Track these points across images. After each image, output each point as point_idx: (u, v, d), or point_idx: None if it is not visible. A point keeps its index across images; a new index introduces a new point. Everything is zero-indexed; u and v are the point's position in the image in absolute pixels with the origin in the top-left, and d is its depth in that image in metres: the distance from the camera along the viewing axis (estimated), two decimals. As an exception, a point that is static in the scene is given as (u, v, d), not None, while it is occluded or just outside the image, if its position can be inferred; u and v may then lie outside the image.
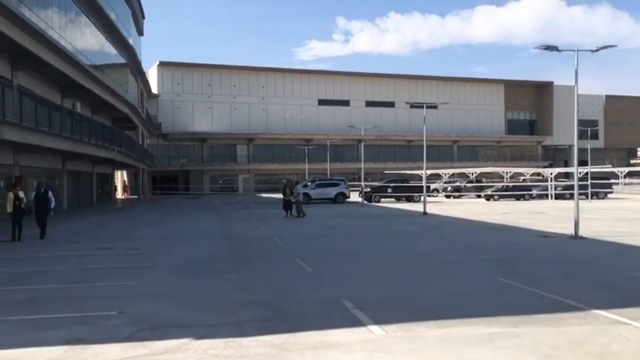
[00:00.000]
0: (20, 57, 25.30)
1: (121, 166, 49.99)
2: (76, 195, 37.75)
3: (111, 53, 41.84)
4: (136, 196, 58.68)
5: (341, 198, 42.28)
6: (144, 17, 63.41)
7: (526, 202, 43.47)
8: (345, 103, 77.55)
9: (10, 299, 9.03)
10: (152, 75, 69.36)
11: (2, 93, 19.50)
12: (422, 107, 32.60)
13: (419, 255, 14.08)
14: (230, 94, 71.85)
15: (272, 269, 12.01)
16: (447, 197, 50.96)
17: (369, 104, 78.53)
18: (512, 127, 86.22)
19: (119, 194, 60.41)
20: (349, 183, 46.79)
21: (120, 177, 62.91)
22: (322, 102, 76.41)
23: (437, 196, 51.93)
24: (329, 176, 54.13)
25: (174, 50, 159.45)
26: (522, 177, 55.78)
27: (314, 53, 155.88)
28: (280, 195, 31.48)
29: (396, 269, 11.91)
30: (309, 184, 43.22)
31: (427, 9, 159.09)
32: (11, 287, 10.10)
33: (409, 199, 43.28)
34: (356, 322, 7.29)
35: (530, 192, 46.84)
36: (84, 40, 33.47)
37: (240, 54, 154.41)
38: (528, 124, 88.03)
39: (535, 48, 19.03)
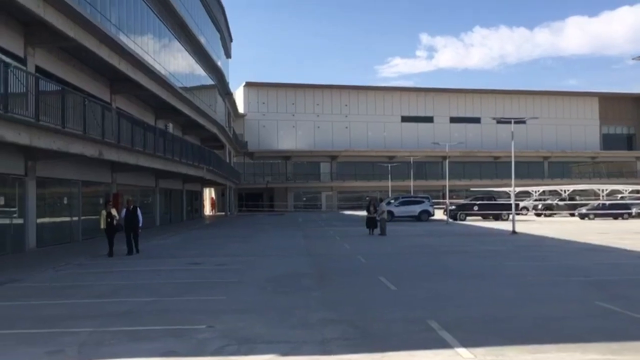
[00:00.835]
0: (119, 81, 26.94)
1: (209, 184, 51.76)
2: (167, 212, 39.43)
3: (201, 75, 43.68)
4: (223, 213, 60.49)
5: (425, 216, 41.58)
6: (231, 40, 65.90)
7: (625, 221, 40.90)
8: (429, 119, 76.59)
9: (108, 310, 9.49)
10: (239, 96, 71.71)
11: (102, 116, 20.78)
12: (510, 122, 31.58)
13: (509, 275, 13.53)
14: (314, 112, 72.92)
15: (356, 287, 11.93)
16: (538, 215, 48.88)
17: (454, 120, 77.13)
18: (608, 141, 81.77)
19: (207, 211, 62.50)
20: (434, 200, 45.97)
21: (209, 195, 65.17)
22: (405, 119, 75.89)
23: (526, 214, 49.93)
24: (412, 193, 53.47)
25: (260, 71, 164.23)
26: (619, 195, 52.60)
27: (397, 70, 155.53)
28: (363, 213, 31.36)
29: (484, 290, 11.49)
30: (393, 201, 42.86)
31: (515, 22, 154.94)
32: (109, 300, 10.62)
33: (497, 217, 41.90)
34: (443, 344, 7.07)
35: (629, 211, 44.03)
36: (176, 64, 35.17)
37: (324, 73, 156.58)
38: (625, 138, 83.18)
39: (634, 59, 18.03)
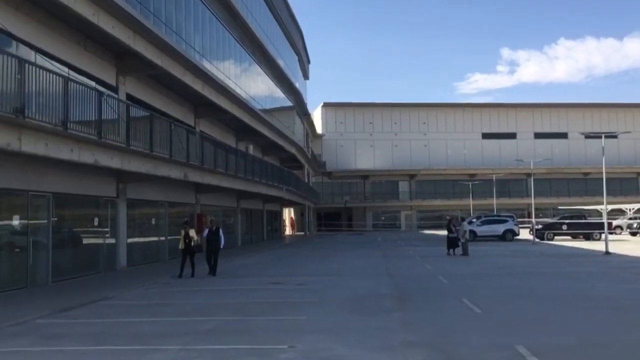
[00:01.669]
0: (202, 106, 27.98)
1: (289, 204, 52.45)
2: (249, 232, 40.24)
3: (280, 97, 44.61)
4: (302, 233, 61.04)
5: (510, 235, 40.13)
6: (309, 62, 67.03)
7: None
8: (512, 136, 74.26)
9: (193, 329, 9.72)
10: (317, 116, 72.59)
11: (187, 139, 21.61)
12: (600, 137, 30.04)
13: (603, 299, 12.72)
14: (392, 131, 72.55)
15: (438, 309, 11.61)
16: (633, 234, 45.94)
17: (538, 135, 74.37)
18: None
19: (287, 231, 63.31)
20: (518, 219, 44.29)
21: (288, 214, 66.06)
22: (486, 136, 74.00)
23: (620, 234, 47.05)
24: (495, 212, 51.80)
25: (337, 92, 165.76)
26: None
27: (477, 86, 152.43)
28: (443, 232, 30.69)
29: (576, 313, 10.85)
30: (475, 220, 41.67)
31: (602, 33, 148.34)
32: (194, 318, 10.89)
33: (587, 237, 39.78)
34: (534, 372, 6.70)
35: None
36: (256, 87, 36.12)
37: (401, 91, 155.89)
38: None
39: None
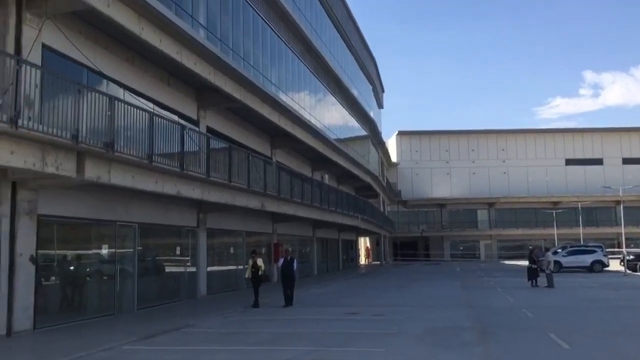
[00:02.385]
0: (279, 136, 28.56)
1: (364, 233, 52.18)
2: (324, 261, 40.26)
3: (354, 127, 44.85)
4: (378, 262, 60.42)
5: (598, 267, 37.89)
6: (383, 91, 67.21)
7: None
8: (598, 162, 70.84)
9: (271, 357, 9.75)
10: (392, 145, 72.32)
11: (264, 170, 22.07)
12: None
13: None
14: (469, 159, 71.04)
15: (522, 343, 11.07)
16: None
17: (627, 161, 70.55)
18: None
19: (362, 260, 62.87)
20: (607, 250, 41.87)
21: (364, 244, 65.68)
22: (570, 162, 70.99)
23: None
24: (582, 242, 49.28)
25: (412, 119, 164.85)
26: None
27: (558, 111, 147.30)
28: (526, 263, 29.46)
29: (678, 353, 10.03)
30: (559, 250, 39.78)
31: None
32: (272, 347, 10.94)
33: (686, 269, 36.95)
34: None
35: None
36: (331, 117, 36.53)
37: (478, 117, 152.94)
38: None
39: None
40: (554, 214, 58.55)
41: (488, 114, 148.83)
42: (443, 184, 70.94)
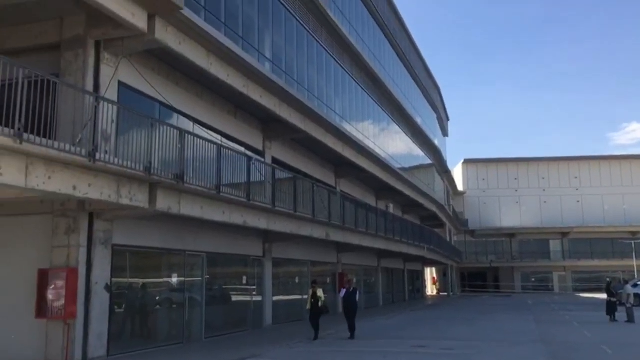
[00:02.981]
0: (342, 166, 28.64)
1: (430, 263, 51.19)
2: (389, 292, 39.64)
3: (419, 155, 44.44)
4: (445, 293, 58.92)
5: (684, 300, 35.40)
6: (448, 119, 66.49)
7: None
8: (679, 188, 66.92)
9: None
10: (457, 173, 71.06)
11: (328, 199, 22.12)
12: None
13: None
14: (539, 187, 68.69)
15: (604, 383, 10.40)
16: None
17: None
18: None
19: (429, 291, 61.51)
20: (694, 282, 39.10)
21: (430, 274, 64.32)
22: (649, 189, 67.39)
23: None
24: (665, 274, 46.36)
25: (478, 147, 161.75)
26: None
27: (635, 136, 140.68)
28: (603, 296, 27.93)
29: None
30: (640, 283, 37.52)
31: None
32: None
33: None
34: None
35: None
36: (394, 145, 36.36)
37: (548, 144, 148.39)
38: None
39: None
40: (633, 244, 55.50)
41: (558, 141, 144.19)
42: (512, 213, 68.75)
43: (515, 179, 69.34)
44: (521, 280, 67.05)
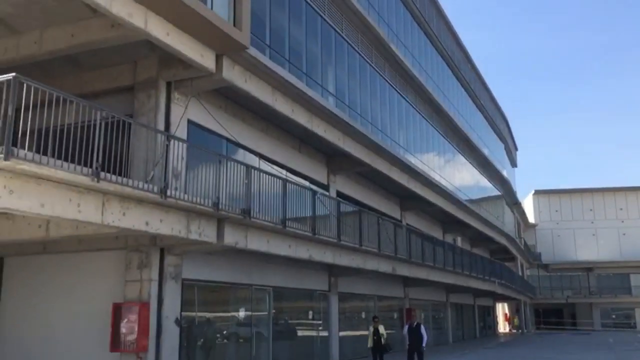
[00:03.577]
0: (408, 199, 28.33)
1: (502, 298, 49.33)
2: (459, 328, 38.39)
3: (486, 187, 43.38)
4: (519, 330, 56.48)
5: None
6: (516, 149, 64.82)
7: None
8: None
9: None
10: (528, 205, 68.71)
11: (394, 233, 21.84)
12: None
13: None
14: (617, 218, 65.32)
15: None
16: None
17: None
18: None
19: (501, 328, 59.17)
20: None
21: (502, 310, 61.94)
22: None
23: None
24: None
25: (549, 178, 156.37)
26: None
27: None
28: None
29: None
30: None
31: None
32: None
33: None
34: None
35: None
36: (461, 177, 35.68)
37: (625, 173, 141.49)
38: None
39: None
40: None
41: (636, 169, 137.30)
42: (589, 245, 65.52)
43: (591, 210, 66.24)
44: (600, 317, 63.40)
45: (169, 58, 12.65)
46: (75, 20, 11.63)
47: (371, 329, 17.35)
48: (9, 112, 7.74)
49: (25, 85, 8.01)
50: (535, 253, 65.43)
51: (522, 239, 59.67)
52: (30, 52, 12.24)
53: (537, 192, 68.92)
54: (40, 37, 12.10)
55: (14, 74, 7.93)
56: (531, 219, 67.72)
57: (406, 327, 17.60)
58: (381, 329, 17.22)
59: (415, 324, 17.30)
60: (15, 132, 7.93)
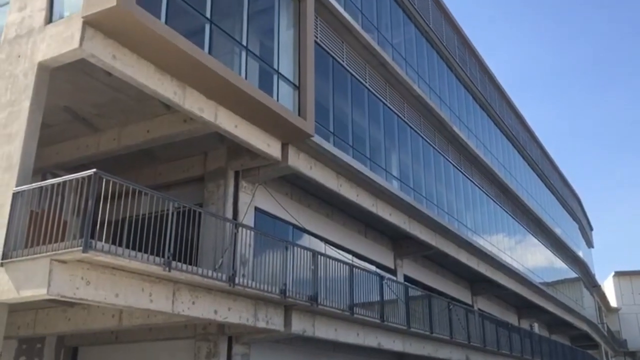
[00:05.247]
0: (478, 282, 27.31)
1: (587, 390, 45.60)
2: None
3: (562, 268, 41.36)
4: None
5: None
6: (591, 229, 62.03)
7: None
8: None
9: None
10: (609, 288, 64.69)
11: (466, 318, 20.91)
12: None
13: None
14: None
15: None
16: None
17: None
18: None
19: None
20: None
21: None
22: None
23: None
24: None
25: (630, 259, 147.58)
26: None
27: None
28: None
29: None
30: None
31: None
32: None
33: None
34: None
35: None
36: (533, 259, 34.23)
37: None
38: None
39: None
40: None
41: None
42: (680, 330, 60.36)
43: (679, 290, 61.52)
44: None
45: (237, 148, 13.12)
46: (151, 116, 12.35)
47: None
48: (89, 207, 8.12)
49: (104, 180, 8.42)
50: (621, 339, 60.82)
51: (604, 325, 55.77)
52: (109, 148, 13.00)
53: (618, 274, 64.88)
54: (119, 134, 12.88)
55: (94, 170, 8.39)
56: (613, 302, 63.47)
57: None
58: None
59: None
60: (93, 224, 8.28)
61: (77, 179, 8.45)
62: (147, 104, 11.77)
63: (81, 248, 7.91)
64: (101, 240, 8.34)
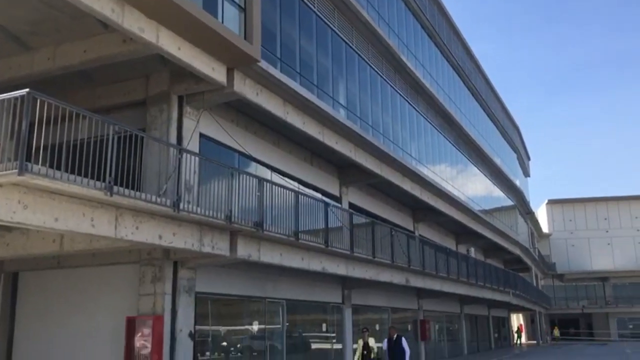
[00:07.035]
0: (420, 210, 28.21)
1: (517, 309, 48.83)
2: (474, 340, 37.97)
3: (499, 197, 43.09)
4: (534, 341, 55.81)
5: None
6: (529, 159, 64.43)
7: None
8: None
9: None
10: (542, 215, 68.17)
11: (407, 244, 21.70)
12: None
13: None
14: (632, 227, 64.57)
15: None
16: None
17: None
18: None
19: (516, 339, 58.48)
20: None
21: (516, 321, 61.24)
22: None
23: None
24: None
25: (563, 188, 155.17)
26: None
27: None
28: None
29: None
30: None
31: None
32: None
33: None
34: None
35: None
36: (473, 187, 35.48)
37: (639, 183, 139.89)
38: None
39: None
40: None
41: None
42: (604, 255, 64.76)
43: (605, 219, 65.55)
44: (617, 327, 62.59)
45: (180, 72, 12.70)
46: (88, 36, 11.72)
47: (360, 342, 15.59)
48: (23, 128, 7.78)
49: (39, 100, 8.05)
50: (550, 263, 64.82)
51: (536, 249, 59.13)
52: (44, 68, 12.34)
53: (551, 202, 68.35)
54: (54, 53, 12.21)
55: (27, 89, 7.99)
56: (545, 229, 67.14)
57: (385, 343, 16.18)
58: (371, 341, 15.51)
59: (395, 337, 15.92)
60: (29, 148, 7.97)
61: (9, 99, 8.02)
62: (84, 21, 11.13)
63: (16, 171, 7.64)
64: (38, 164, 8.06)
